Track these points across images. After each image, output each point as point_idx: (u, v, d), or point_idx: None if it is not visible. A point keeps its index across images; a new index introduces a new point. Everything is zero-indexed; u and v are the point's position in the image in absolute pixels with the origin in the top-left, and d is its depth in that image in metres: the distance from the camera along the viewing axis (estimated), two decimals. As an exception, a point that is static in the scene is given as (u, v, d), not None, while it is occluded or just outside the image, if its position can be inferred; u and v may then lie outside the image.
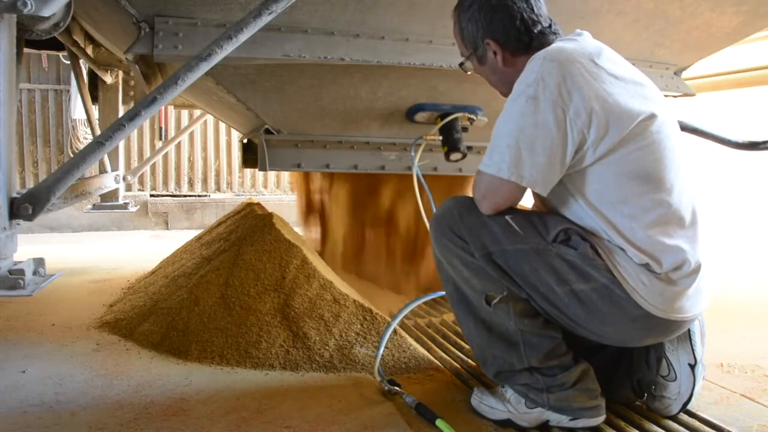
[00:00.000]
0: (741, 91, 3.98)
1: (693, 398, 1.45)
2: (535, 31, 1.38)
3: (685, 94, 2.28)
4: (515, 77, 1.32)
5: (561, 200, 1.35)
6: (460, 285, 1.41)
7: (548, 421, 1.39)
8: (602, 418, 1.38)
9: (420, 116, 2.05)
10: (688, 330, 1.43)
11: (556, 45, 1.33)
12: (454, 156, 1.98)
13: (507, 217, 1.32)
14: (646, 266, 1.26)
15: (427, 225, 1.81)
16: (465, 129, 2.02)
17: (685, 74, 2.31)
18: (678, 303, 1.28)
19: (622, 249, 1.27)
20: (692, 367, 1.43)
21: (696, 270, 1.30)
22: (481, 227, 1.34)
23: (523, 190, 1.31)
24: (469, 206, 1.37)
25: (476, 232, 1.34)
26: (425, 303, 2.51)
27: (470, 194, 1.40)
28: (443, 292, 1.55)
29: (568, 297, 1.28)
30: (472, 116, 2.02)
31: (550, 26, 1.40)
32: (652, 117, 1.26)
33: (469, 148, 2.03)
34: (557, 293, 1.29)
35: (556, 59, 1.26)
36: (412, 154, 1.88)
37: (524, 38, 1.38)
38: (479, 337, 1.40)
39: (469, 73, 1.54)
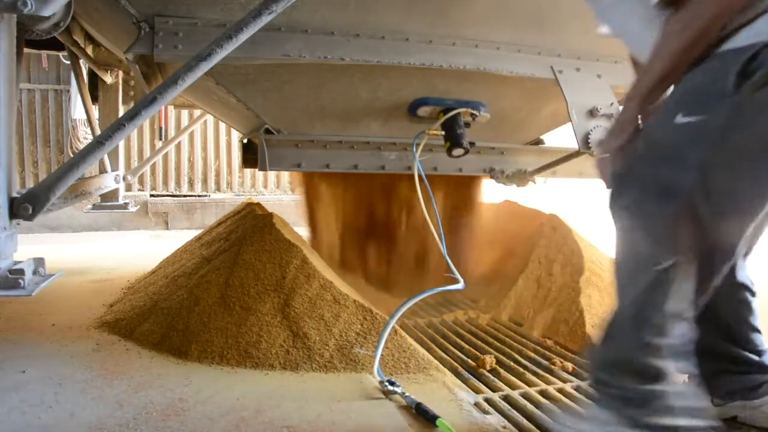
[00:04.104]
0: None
1: None
2: None
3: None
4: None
5: None
6: (627, 250, 1.25)
7: None
8: None
9: (423, 110, 2.04)
10: None
11: None
12: (456, 152, 1.97)
13: None
14: None
15: (428, 219, 1.80)
16: (467, 125, 2.01)
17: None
18: None
19: None
20: None
21: None
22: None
23: None
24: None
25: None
26: (423, 302, 2.50)
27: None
28: (439, 289, 1.54)
29: None
30: (474, 112, 2.01)
31: None
32: None
33: (472, 143, 2.02)
34: None
35: None
36: (415, 149, 1.88)
37: None
38: (620, 315, 1.25)
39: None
